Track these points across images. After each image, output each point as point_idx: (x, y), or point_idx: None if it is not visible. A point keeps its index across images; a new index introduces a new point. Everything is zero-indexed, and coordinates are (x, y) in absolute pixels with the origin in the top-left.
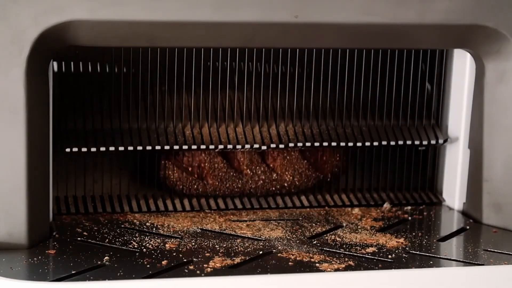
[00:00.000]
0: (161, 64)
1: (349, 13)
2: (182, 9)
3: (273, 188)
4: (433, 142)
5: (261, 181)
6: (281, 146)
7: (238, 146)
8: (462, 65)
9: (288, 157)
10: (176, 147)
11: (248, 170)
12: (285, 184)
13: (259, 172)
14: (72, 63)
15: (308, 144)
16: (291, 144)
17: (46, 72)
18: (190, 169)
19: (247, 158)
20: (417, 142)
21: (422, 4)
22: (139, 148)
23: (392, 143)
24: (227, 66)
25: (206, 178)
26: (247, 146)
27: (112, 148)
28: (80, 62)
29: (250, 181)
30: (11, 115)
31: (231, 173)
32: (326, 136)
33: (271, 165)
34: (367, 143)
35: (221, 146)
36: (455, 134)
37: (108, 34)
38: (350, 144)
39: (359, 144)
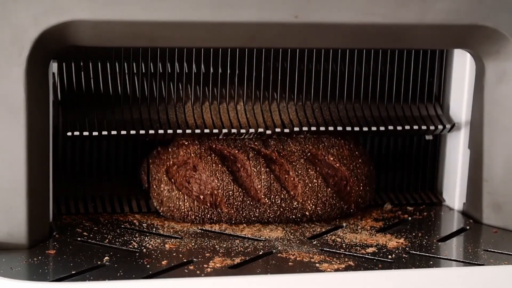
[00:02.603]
0: (161, 54)
1: (349, 13)
2: (182, 9)
3: (293, 217)
4: (440, 127)
5: (281, 209)
6: (286, 130)
7: (242, 131)
8: (462, 65)
9: (310, 184)
10: (179, 131)
11: (266, 199)
12: (307, 213)
13: (279, 200)
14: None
15: (313, 129)
16: (296, 129)
17: (46, 72)
18: (202, 197)
19: (265, 186)
20: (424, 127)
21: (422, 4)
22: (142, 132)
23: (399, 128)
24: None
25: (220, 206)
26: (251, 130)
27: (114, 132)
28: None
29: (268, 210)
30: (11, 115)
31: (248, 202)
32: (330, 122)
33: (292, 193)
34: (373, 128)
35: (225, 130)
36: (455, 134)
37: (108, 34)
38: (356, 129)
39: (365, 129)
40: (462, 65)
